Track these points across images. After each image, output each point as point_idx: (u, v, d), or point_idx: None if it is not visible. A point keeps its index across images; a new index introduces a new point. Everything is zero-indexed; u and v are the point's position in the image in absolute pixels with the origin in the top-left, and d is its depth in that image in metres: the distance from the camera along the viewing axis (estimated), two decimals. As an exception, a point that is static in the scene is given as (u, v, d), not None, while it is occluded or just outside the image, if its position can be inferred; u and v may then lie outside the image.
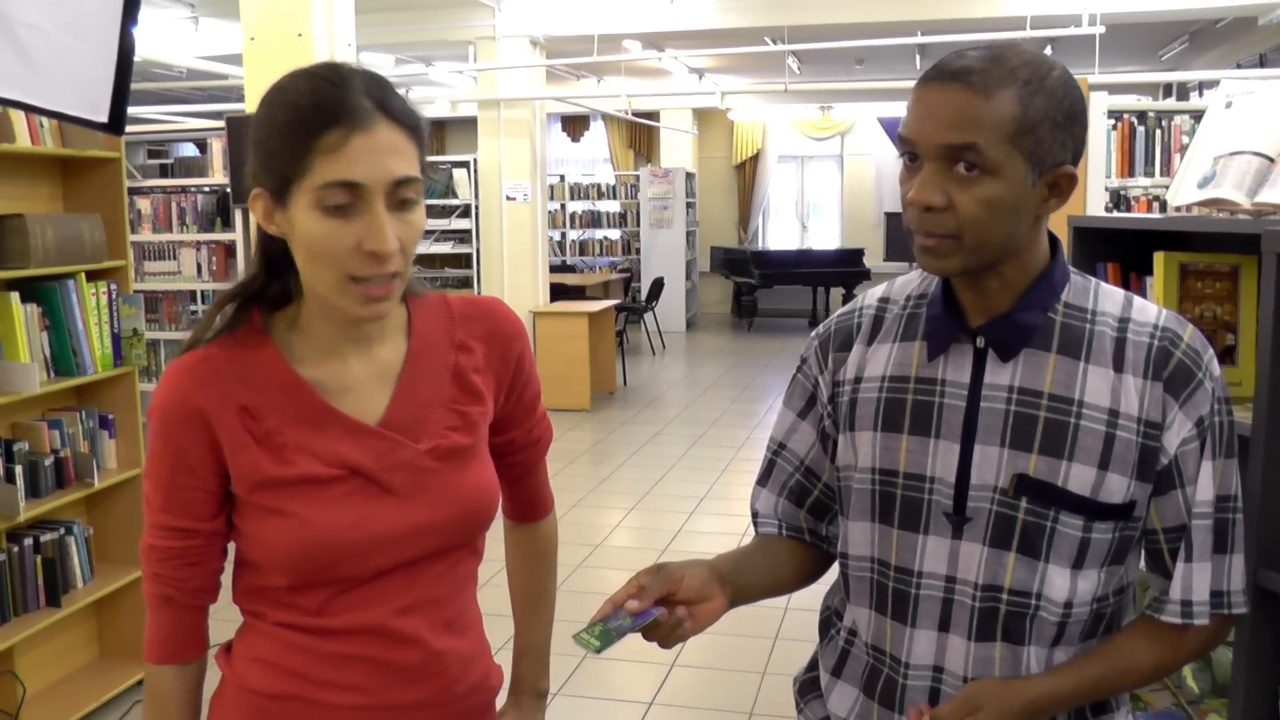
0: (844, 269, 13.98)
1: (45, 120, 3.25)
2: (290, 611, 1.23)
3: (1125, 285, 2.40)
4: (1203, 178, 2.22)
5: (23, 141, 3.19)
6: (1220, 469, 1.21)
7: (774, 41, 9.07)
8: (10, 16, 2.30)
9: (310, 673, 1.23)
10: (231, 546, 1.29)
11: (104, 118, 2.58)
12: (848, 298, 14.07)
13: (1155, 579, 1.25)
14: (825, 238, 15.71)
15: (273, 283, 1.24)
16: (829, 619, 1.45)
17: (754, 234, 15.73)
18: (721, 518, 5.80)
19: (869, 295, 1.38)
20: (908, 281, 1.35)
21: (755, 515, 1.45)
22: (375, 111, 1.12)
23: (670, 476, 6.62)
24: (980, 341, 1.23)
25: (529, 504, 1.49)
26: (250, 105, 5.48)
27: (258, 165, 1.17)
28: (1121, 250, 2.41)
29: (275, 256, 1.23)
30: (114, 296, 3.43)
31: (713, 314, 15.62)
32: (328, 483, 1.21)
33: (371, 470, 1.22)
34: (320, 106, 1.10)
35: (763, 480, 1.44)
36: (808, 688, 1.46)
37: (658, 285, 12.36)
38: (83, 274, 3.32)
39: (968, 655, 1.24)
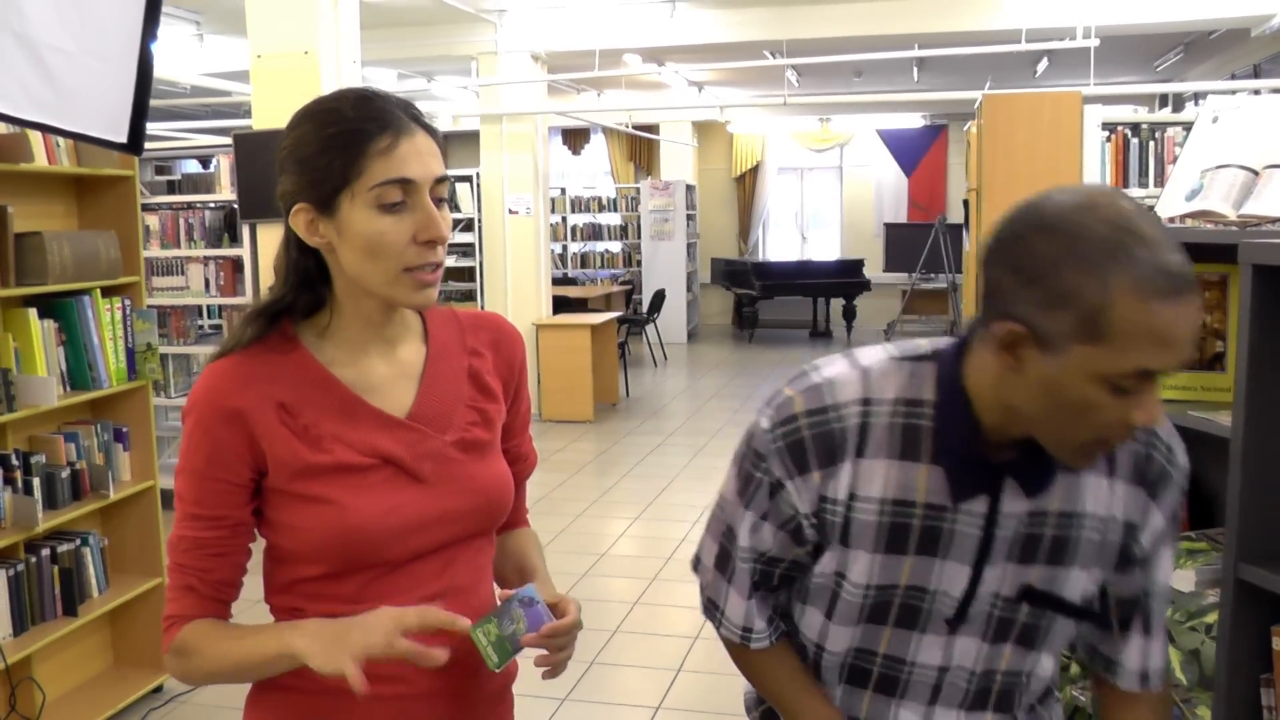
0: (844, 280, 14.05)
1: (61, 139, 3.33)
2: (327, 602, 1.28)
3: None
4: (1190, 190, 2.29)
5: (40, 161, 3.27)
6: (1172, 553, 1.30)
7: (773, 55, 9.16)
8: (38, 41, 2.37)
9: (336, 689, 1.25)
10: (259, 556, 1.34)
11: (123, 138, 2.65)
12: (848, 309, 14.14)
13: (1105, 640, 1.32)
14: (825, 249, 15.79)
15: (302, 295, 1.32)
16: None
17: (754, 245, 15.81)
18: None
19: (842, 390, 1.23)
20: (885, 375, 1.24)
21: (749, 632, 1.37)
22: (411, 121, 1.25)
23: (674, 486, 6.67)
24: (1001, 481, 1.20)
25: (511, 521, 1.52)
26: (258, 122, 5.55)
27: (300, 181, 1.25)
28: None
29: (309, 270, 1.31)
30: (128, 312, 3.50)
31: (714, 325, 15.69)
32: (363, 471, 1.28)
33: (403, 459, 1.30)
34: (367, 117, 1.23)
35: (743, 590, 1.35)
36: (770, 715, 1.47)
37: (659, 297, 12.43)
38: (98, 290, 3.39)
39: None
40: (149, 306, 3.61)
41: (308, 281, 1.32)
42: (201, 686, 1.39)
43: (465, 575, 1.36)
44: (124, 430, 3.59)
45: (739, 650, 1.42)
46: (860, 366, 1.26)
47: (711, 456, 7.43)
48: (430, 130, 1.28)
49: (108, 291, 3.45)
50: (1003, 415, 1.16)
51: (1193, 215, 2.26)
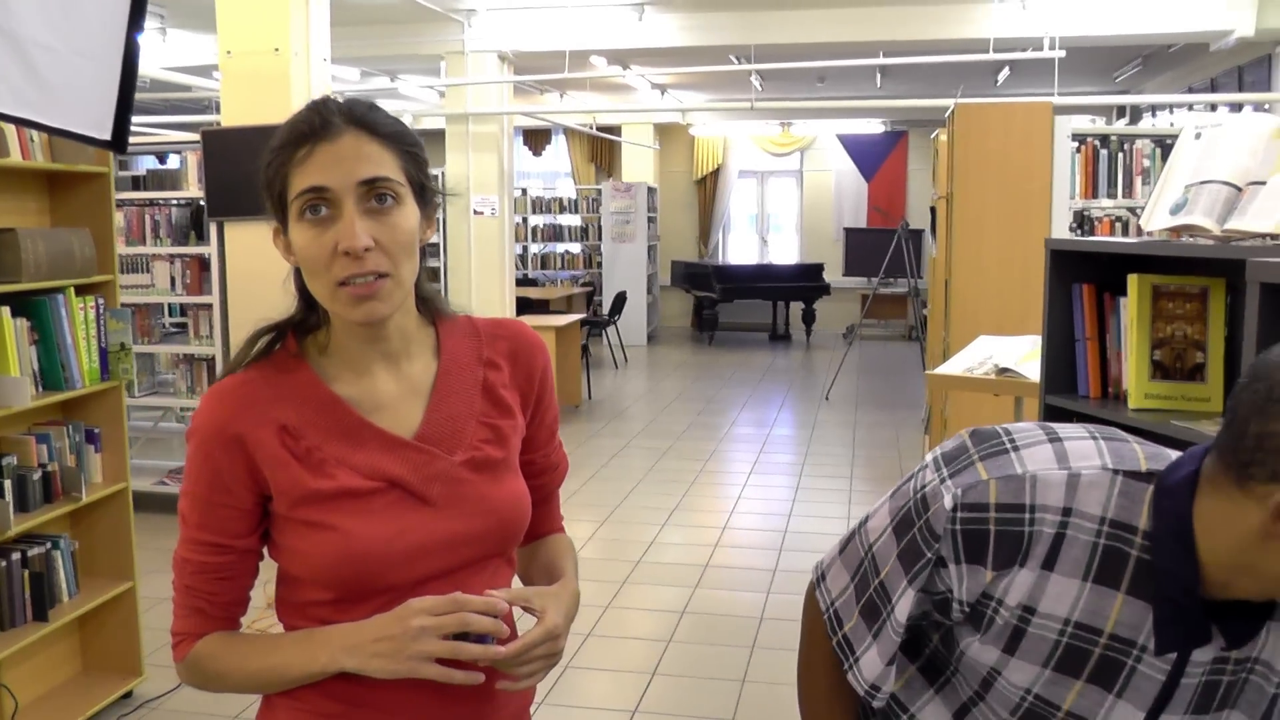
0: (804, 284, 14.16)
1: (36, 135, 3.27)
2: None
3: (1099, 305, 2.51)
4: (1175, 204, 2.34)
5: (15, 157, 3.20)
6: None
7: (739, 60, 9.21)
8: (23, 37, 2.34)
9: (363, 688, 1.24)
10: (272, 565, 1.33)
11: (108, 135, 2.62)
12: (808, 313, 14.24)
13: None
14: (785, 253, 15.90)
15: (310, 314, 1.30)
16: (888, 710, 1.36)
17: (714, 248, 15.87)
18: (692, 529, 5.88)
19: (1044, 493, 1.11)
20: (1094, 486, 1.11)
21: (876, 690, 1.26)
22: (344, 124, 1.20)
23: (640, 489, 6.68)
24: (1207, 633, 1.10)
25: (543, 529, 1.51)
26: (227, 118, 5.49)
27: (265, 200, 1.26)
28: (1096, 272, 2.50)
29: (303, 286, 1.29)
30: (101, 311, 3.45)
31: (673, 327, 15.73)
32: (368, 495, 1.24)
33: (409, 482, 1.26)
34: (291, 128, 1.21)
35: (886, 656, 1.24)
36: None
37: (621, 299, 12.44)
38: (72, 289, 3.33)
39: None
40: (125, 305, 3.55)
41: (307, 298, 1.29)
42: (221, 694, 1.36)
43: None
44: (95, 432, 3.53)
45: (832, 672, 1.33)
46: (1069, 468, 1.13)
47: (676, 459, 7.45)
48: (376, 129, 1.22)
49: (81, 290, 3.39)
50: (1237, 573, 1.05)
51: (1177, 229, 2.31)
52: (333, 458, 1.25)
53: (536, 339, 1.43)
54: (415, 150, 1.26)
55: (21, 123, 2.47)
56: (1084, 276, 2.52)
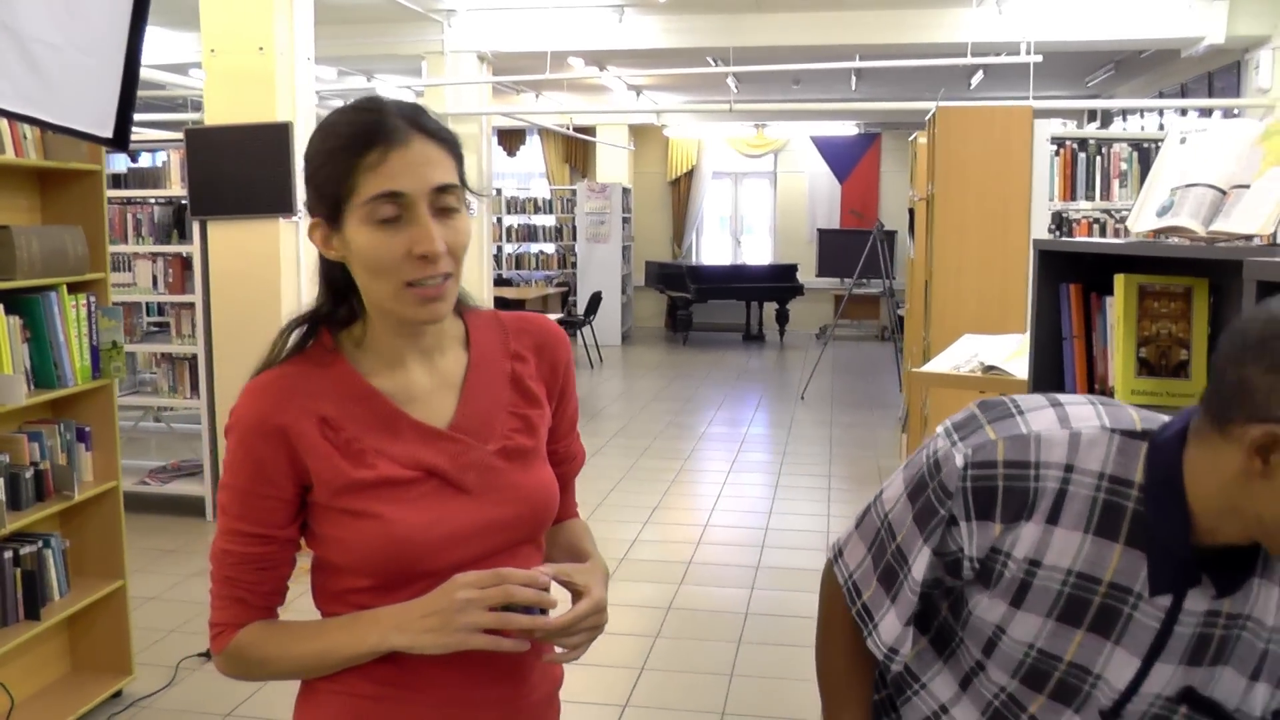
0: (778, 284, 14.25)
1: (29, 131, 3.26)
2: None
3: (1086, 305, 2.57)
4: (1161, 207, 2.40)
5: (8, 153, 3.20)
6: None
7: (715, 62, 9.27)
8: (26, 34, 2.34)
9: (402, 670, 1.28)
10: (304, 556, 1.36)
11: (109, 133, 2.63)
12: (781, 313, 14.34)
13: None
14: (758, 253, 15.99)
15: (339, 306, 1.33)
16: (900, 679, 1.41)
17: (688, 249, 15.94)
18: (674, 527, 5.92)
19: (1048, 450, 1.19)
20: (1093, 444, 1.19)
21: (894, 653, 1.31)
22: (409, 129, 1.23)
23: (620, 488, 6.72)
24: (1197, 579, 1.17)
25: (560, 515, 1.53)
26: (211, 117, 5.46)
27: (313, 196, 1.27)
28: (1083, 272, 2.55)
29: (337, 280, 1.32)
30: (93, 309, 3.44)
31: (647, 328, 15.78)
32: (407, 484, 1.28)
33: (446, 471, 1.29)
34: (358, 130, 1.22)
35: (904, 616, 1.30)
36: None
37: (596, 299, 12.47)
38: (64, 286, 3.33)
39: None
40: (118, 304, 3.55)
41: (339, 291, 1.32)
42: (260, 682, 1.39)
43: None
44: (86, 430, 3.52)
45: (851, 636, 1.39)
46: (1070, 429, 1.20)
47: (654, 459, 7.49)
48: (437, 135, 1.25)
49: (73, 288, 3.38)
50: (1223, 517, 1.13)
51: (1164, 230, 2.37)
52: (372, 448, 1.28)
53: (560, 333, 1.47)
54: (461, 153, 1.30)
55: (25, 119, 2.48)
56: (1071, 276, 2.57)
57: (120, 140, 2.64)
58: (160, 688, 3.78)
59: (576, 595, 1.31)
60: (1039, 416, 1.21)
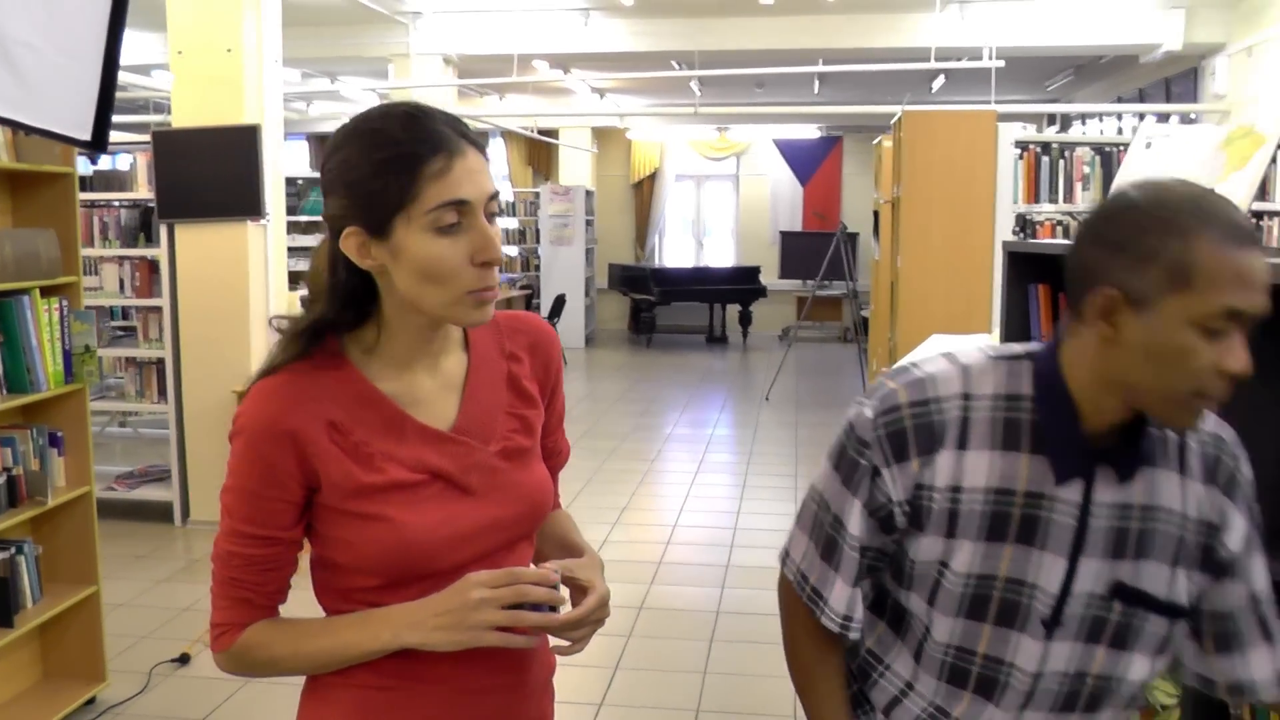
0: (741, 286, 14.32)
1: (0, 134, 3.24)
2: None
3: (1054, 305, 2.63)
4: (1128, 209, 2.48)
5: (-20, 157, 3.18)
6: (1264, 559, 1.36)
7: (680, 65, 9.32)
8: (7, 37, 2.33)
9: (410, 662, 1.31)
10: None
11: (88, 135, 2.62)
12: (744, 315, 14.42)
13: (1215, 661, 1.36)
14: (721, 256, 16.07)
15: (347, 311, 1.33)
16: (866, 664, 1.47)
17: (651, 251, 15.99)
18: (643, 528, 5.96)
19: (944, 384, 1.31)
20: (984, 372, 1.31)
21: (849, 620, 1.38)
22: (460, 138, 1.24)
23: (588, 490, 6.74)
24: (1097, 467, 1.27)
25: None
26: (178, 119, 5.43)
27: (350, 205, 1.24)
28: (1052, 273, 2.61)
29: (356, 288, 1.31)
30: (66, 313, 3.42)
31: (610, 330, 15.80)
32: (414, 487, 1.30)
33: (451, 473, 1.32)
34: (419, 139, 1.21)
35: (850, 578, 1.38)
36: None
37: (560, 302, 12.49)
38: (37, 290, 3.30)
39: None
40: (87, 308, 3.52)
41: (352, 298, 1.32)
42: (256, 678, 1.40)
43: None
44: (59, 435, 3.50)
45: (812, 632, 1.43)
46: (960, 364, 1.33)
47: (621, 460, 7.52)
48: (479, 146, 1.27)
49: (46, 291, 3.36)
50: (1101, 395, 1.24)
51: (1130, 232, 2.44)
52: (380, 452, 1.30)
53: (551, 332, 1.50)
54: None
55: (4, 122, 2.46)
56: (1039, 277, 2.62)
57: (99, 142, 2.63)
58: (134, 694, 3.76)
59: (577, 589, 1.34)
60: (932, 363, 1.34)
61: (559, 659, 1.45)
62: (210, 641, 1.33)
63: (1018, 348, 1.34)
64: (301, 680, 1.41)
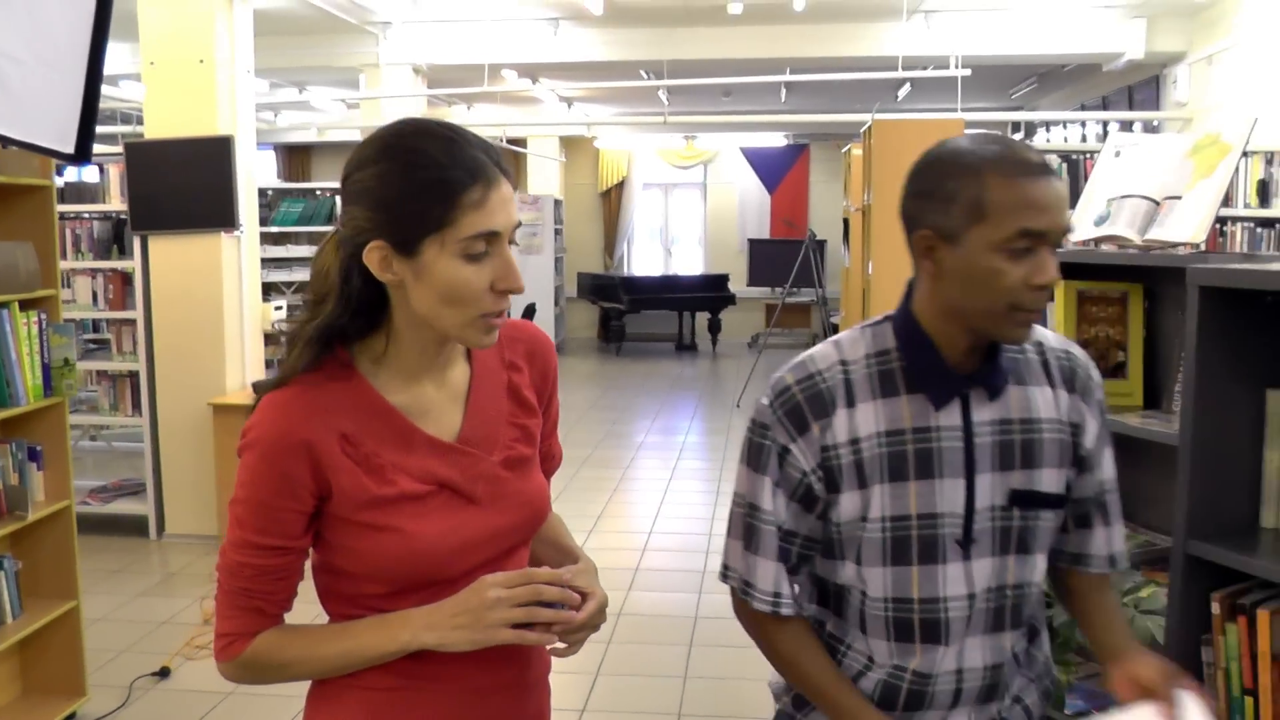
0: (710, 294, 14.39)
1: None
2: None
3: (1027, 310, 2.71)
4: (1099, 216, 2.54)
5: (-42, 170, 3.16)
6: (1111, 452, 1.56)
7: (649, 75, 9.38)
8: (-6, 51, 2.34)
9: (419, 662, 1.34)
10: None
11: (71, 148, 2.63)
12: (713, 322, 14.49)
13: (1067, 537, 1.56)
14: (689, 264, 16.14)
15: (358, 319, 1.33)
16: (831, 646, 1.54)
17: (619, 260, 16.03)
18: (619, 535, 5.99)
19: (822, 359, 1.46)
20: (854, 341, 1.48)
21: (778, 597, 1.49)
22: (495, 167, 1.27)
23: (563, 498, 6.75)
24: (967, 388, 1.42)
25: None
26: (151, 130, 5.41)
27: (380, 220, 1.25)
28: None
29: (371, 298, 1.32)
30: (45, 326, 3.41)
31: (580, 339, 15.82)
32: (423, 498, 1.33)
33: (458, 483, 1.35)
34: (459, 165, 1.24)
35: (771, 554, 1.48)
36: (804, 700, 1.56)
37: (530, 311, 12.50)
38: (16, 303, 3.29)
39: (984, 648, 1.47)
40: (66, 320, 3.51)
41: (363, 307, 1.33)
42: (272, 684, 1.41)
43: None
44: (38, 449, 3.48)
45: (768, 626, 1.52)
46: (834, 341, 1.50)
47: (595, 468, 7.54)
48: (509, 174, 1.29)
49: (24, 305, 3.34)
50: (948, 327, 1.41)
51: (1101, 239, 2.51)
52: (390, 463, 1.32)
53: (547, 340, 1.53)
54: None
55: (-10, 137, 2.47)
56: (1012, 282, 2.69)
57: (82, 154, 2.64)
58: (114, 708, 3.74)
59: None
60: (812, 349, 1.51)
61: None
62: (217, 651, 1.34)
63: (879, 316, 1.51)
64: (289, 690, 1.42)
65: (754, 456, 1.48)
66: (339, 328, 1.33)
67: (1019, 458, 1.44)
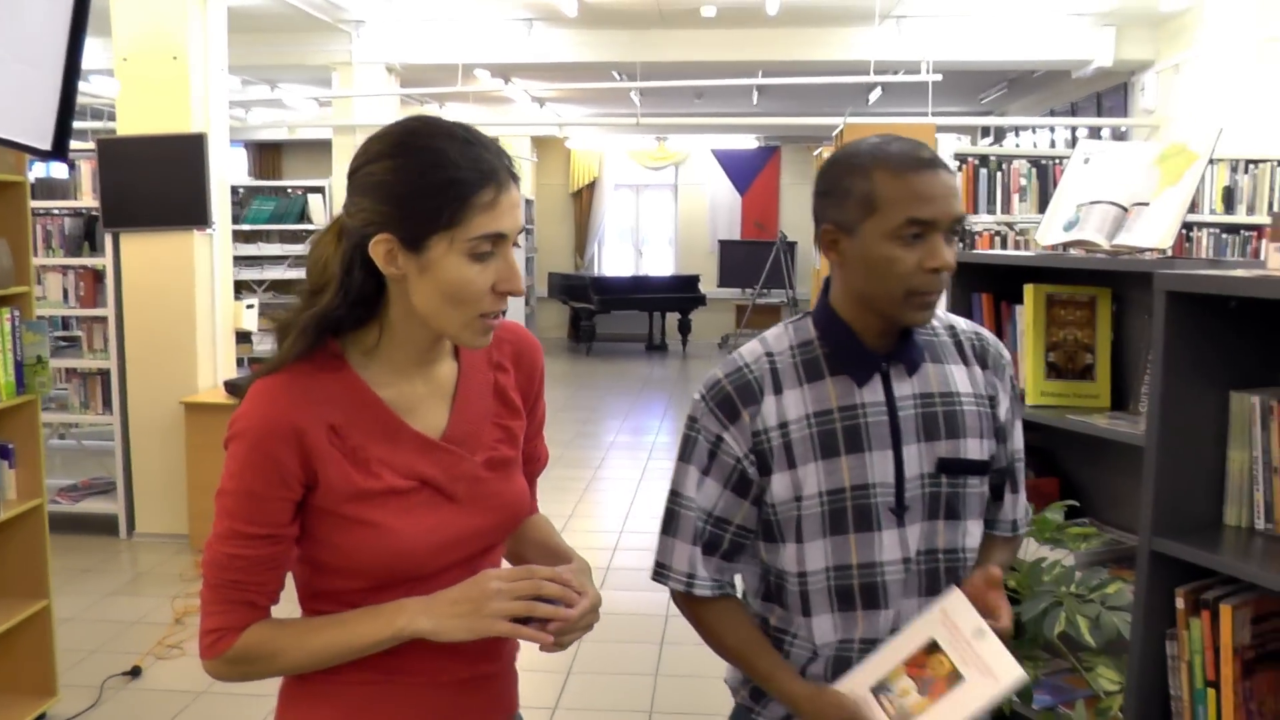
0: (680, 295, 14.43)
1: (-50, 144, 3.20)
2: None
3: (997, 314, 2.74)
4: (1068, 222, 2.59)
5: (-69, 166, 3.14)
6: (1021, 424, 1.67)
7: (621, 76, 9.41)
8: (-28, 48, 2.33)
9: (396, 656, 1.35)
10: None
11: (48, 145, 2.62)
12: (684, 323, 14.55)
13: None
14: (660, 265, 16.18)
15: (355, 310, 1.34)
16: (777, 640, 1.60)
17: (590, 260, 16.04)
18: (590, 534, 6.00)
19: (749, 354, 1.56)
20: (778, 337, 1.58)
21: (691, 578, 1.56)
22: (506, 172, 1.29)
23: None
24: (885, 365, 1.53)
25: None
26: (123, 126, 5.38)
27: (389, 214, 1.27)
28: (994, 282, 2.72)
29: (369, 291, 1.33)
30: (18, 323, 3.39)
31: (550, 339, 15.81)
32: (405, 494, 1.34)
33: (439, 481, 1.37)
34: (474, 167, 1.27)
35: (688, 538, 1.56)
36: (761, 692, 1.61)
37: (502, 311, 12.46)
38: (-12, 300, 3.27)
39: (920, 610, 1.53)
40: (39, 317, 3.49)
41: (360, 299, 1.33)
42: (263, 679, 1.42)
43: None
44: (10, 447, 3.46)
45: (689, 603, 1.59)
46: (759, 338, 1.60)
47: (565, 468, 7.55)
48: (517, 178, 1.31)
49: (-2, 302, 3.33)
50: (860, 312, 1.51)
51: (1070, 244, 2.56)
52: (376, 458, 1.33)
53: (535, 341, 1.56)
54: None
55: (-33, 134, 2.45)
56: (982, 287, 2.73)
57: (59, 151, 2.63)
58: (85, 708, 3.73)
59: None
60: (741, 347, 1.60)
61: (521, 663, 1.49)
62: (203, 649, 1.33)
63: (801, 314, 1.62)
64: (262, 689, 1.42)
65: (684, 449, 1.57)
66: (334, 318, 1.33)
67: (943, 428, 1.54)
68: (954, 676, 1.41)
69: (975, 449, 1.57)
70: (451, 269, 1.27)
